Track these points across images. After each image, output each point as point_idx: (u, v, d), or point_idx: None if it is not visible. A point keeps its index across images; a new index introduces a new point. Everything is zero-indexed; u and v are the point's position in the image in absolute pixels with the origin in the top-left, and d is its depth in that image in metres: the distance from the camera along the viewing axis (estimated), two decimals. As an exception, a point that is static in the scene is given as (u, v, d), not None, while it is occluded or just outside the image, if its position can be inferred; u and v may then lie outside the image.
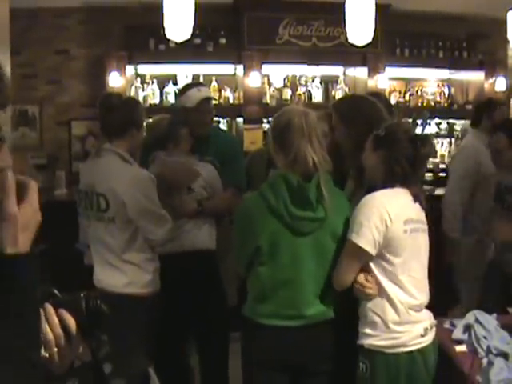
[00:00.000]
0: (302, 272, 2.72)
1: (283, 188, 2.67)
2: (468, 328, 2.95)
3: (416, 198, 2.66)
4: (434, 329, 2.73)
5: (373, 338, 2.60)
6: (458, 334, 2.94)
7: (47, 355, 1.26)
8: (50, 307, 1.27)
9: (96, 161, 3.34)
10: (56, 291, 1.31)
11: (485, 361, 2.71)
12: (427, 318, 2.69)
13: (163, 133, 3.76)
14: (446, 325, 3.09)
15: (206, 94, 3.98)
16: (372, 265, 2.61)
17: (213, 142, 3.94)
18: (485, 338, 2.86)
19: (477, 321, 2.97)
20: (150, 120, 4.18)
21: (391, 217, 2.55)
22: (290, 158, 2.69)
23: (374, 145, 2.70)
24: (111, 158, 3.28)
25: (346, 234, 2.73)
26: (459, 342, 2.89)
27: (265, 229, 2.71)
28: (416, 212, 2.67)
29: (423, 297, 2.68)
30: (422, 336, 2.62)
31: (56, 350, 1.27)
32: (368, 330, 2.62)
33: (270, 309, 2.75)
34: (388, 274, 2.60)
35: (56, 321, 1.27)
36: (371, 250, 2.56)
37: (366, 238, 2.55)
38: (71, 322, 1.28)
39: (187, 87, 4.06)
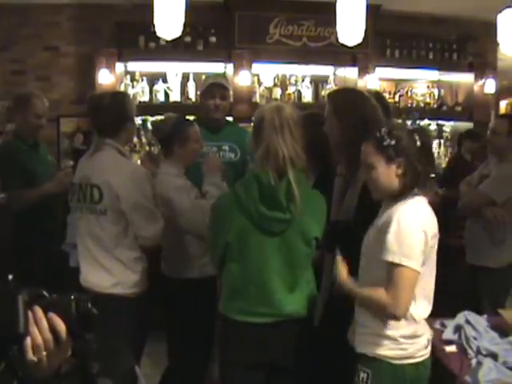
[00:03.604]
0: (268, 271, 2.74)
1: (254, 187, 2.69)
2: (458, 329, 2.96)
3: (432, 205, 2.52)
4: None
5: (378, 348, 2.48)
6: (448, 334, 2.95)
7: (36, 359, 1.24)
8: (39, 311, 1.25)
9: (95, 155, 3.33)
10: (45, 292, 1.29)
11: (474, 361, 2.72)
12: (428, 329, 2.59)
13: (168, 133, 3.54)
14: (437, 325, 3.10)
15: (217, 80, 4.26)
16: None
17: (226, 134, 4.08)
18: (474, 338, 2.87)
19: (467, 321, 2.98)
20: (154, 119, 4.24)
21: (427, 233, 2.40)
22: (262, 152, 2.71)
23: (387, 157, 2.46)
24: (110, 152, 3.29)
25: (318, 234, 2.76)
26: (449, 343, 2.89)
27: (233, 225, 2.74)
28: (435, 222, 2.51)
29: (430, 308, 2.56)
30: (425, 347, 2.53)
31: (45, 353, 1.25)
32: (372, 339, 2.50)
33: (241, 305, 2.78)
34: None
35: (45, 325, 1.25)
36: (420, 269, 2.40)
37: (419, 261, 2.38)
38: (61, 327, 1.26)
39: (211, 75, 4.55)
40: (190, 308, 3.47)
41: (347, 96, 3.16)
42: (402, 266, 2.35)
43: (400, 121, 2.72)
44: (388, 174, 2.47)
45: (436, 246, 2.52)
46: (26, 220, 4.26)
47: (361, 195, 2.88)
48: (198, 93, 4.75)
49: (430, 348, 2.57)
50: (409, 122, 2.62)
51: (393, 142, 2.44)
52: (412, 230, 2.37)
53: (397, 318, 2.43)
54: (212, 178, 3.51)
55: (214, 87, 4.12)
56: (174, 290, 3.57)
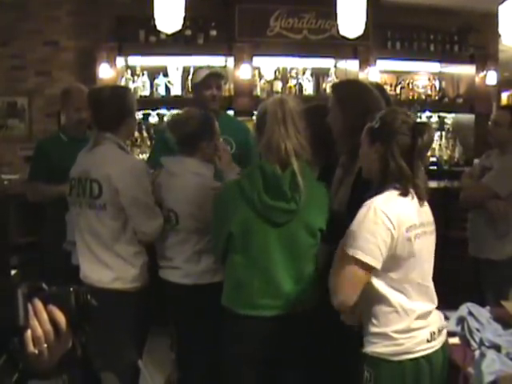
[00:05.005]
0: (272, 262, 2.74)
1: (258, 177, 2.70)
2: (461, 320, 2.96)
3: (420, 197, 2.43)
4: (445, 331, 2.57)
5: (375, 345, 2.42)
6: (451, 326, 2.93)
7: (36, 351, 1.23)
8: (39, 303, 1.25)
9: (94, 149, 3.32)
10: (44, 285, 1.29)
11: (477, 353, 2.71)
12: (435, 322, 2.50)
13: (195, 130, 3.31)
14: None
15: (213, 70, 4.20)
16: (373, 276, 2.39)
17: (221, 126, 3.89)
18: (477, 330, 2.87)
19: (470, 313, 2.97)
20: (170, 114, 4.13)
21: (394, 226, 2.32)
22: (264, 144, 2.72)
23: (370, 138, 2.47)
24: (110, 147, 3.28)
25: (323, 225, 2.74)
26: (452, 334, 2.88)
27: (237, 215, 2.74)
28: (419, 215, 2.43)
29: (431, 302, 2.50)
30: (429, 341, 2.43)
31: (45, 345, 1.24)
32: (370, 338, 2.44)
33: (245, 298, 2.77)
34: (392, 283, 2.39)
35: (45, 317, 1.24)
36: (378, 265, 2.33)
37: (374, 255, 2.31)
38: (61, 319, 1.26)
39: (201, 67, 4.39)
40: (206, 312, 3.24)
41: (351, 86, 3.20)
42: (355, 258, 2.32)
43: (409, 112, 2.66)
44: (368, 156, 2.48)
45: (426, 237, 2.46)
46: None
47: (353, 185, 2.88)
48: (190, 84, 4.70)
49: (439, 340, 2.49)
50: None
51: (376, 125, 2.44)
52: (371, 223, 2.32)
53: (344, 308, 2.41)
54: (232, 175, 3.30)
55: (211, 77, 4.09)
56: (197, 296, 3.31)
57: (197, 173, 3.31)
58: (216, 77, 4.12)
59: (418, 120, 2.81)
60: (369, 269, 2.34)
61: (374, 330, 2.44)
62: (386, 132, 2.41)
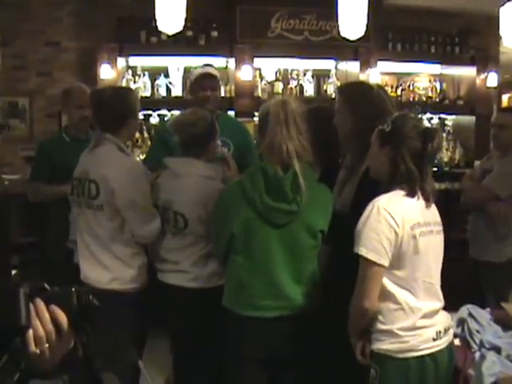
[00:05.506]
0: (274, 263, 2.74)
1: (260, 178, 2.71)
2: (461, 322, 2.97)
3: (427, 199, 2.50)
4: (451, 331, 2.62)
5: (381, 343, 2.48)
6: (451, 327, 2.94)
7: (38, 351, 1.24)
8: (41, 303, 1.25)
9: (95, 150, 3.32)
10: (46, 285, 1.29)
11: (477, 355, 2.72)
12: (441, 321, 2.56)
13: (205, 132, 3.30)
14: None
15: (207, 70, 4.10)
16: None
17: (221, 128, 3.70)
18: (478, 332, 2.87)
19: (470, 315, 2.98)
20: (171, 115, 4.05)
21: (398, 224, 2.41)
22: (265, 144, 2.73)
23: (380, 141, 2.55)
24: (110, 148, 3.27)
25: (324, 227, 2.78)
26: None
27: (239, 216, 2.75)
28: (425, 214, 2.51)
29: (437, 301, 2.56)
30: (434, 340, 2.49)
31: (47, 345, 1.25)
32: (377, 335, 2.50)
33: (246, 299, 2.78)
34: (398, 281, 2.47)
35: (47, 317, 1.24)
36: (382, 261, 2.41)
37: (377, 251, 2.40)
38: (63, 319, 1.26)
39: (196, 67, 4.29)
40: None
41: (359, 88, 3.24)
42: (363, 257, 2.42)
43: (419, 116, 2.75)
44: (378, 158, 2.56)
45: (432, 236, 2.52)
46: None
47: (359, 185, 2.89)
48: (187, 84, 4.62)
49: (444, 339, 2.53)
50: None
51: (387, 129, 2.51)
52: (375, 221, 2.41)
53: (361, 311, 2.49)
54: None
55: (204, 78, 4.05)
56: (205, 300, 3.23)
57: (205, 175, 3.28)
58: (209, 77, 4.06)
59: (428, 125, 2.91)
60: (375, 265, 2.41)
61: (380, 327, 2.49)
62: (396, 136, 2.48)
